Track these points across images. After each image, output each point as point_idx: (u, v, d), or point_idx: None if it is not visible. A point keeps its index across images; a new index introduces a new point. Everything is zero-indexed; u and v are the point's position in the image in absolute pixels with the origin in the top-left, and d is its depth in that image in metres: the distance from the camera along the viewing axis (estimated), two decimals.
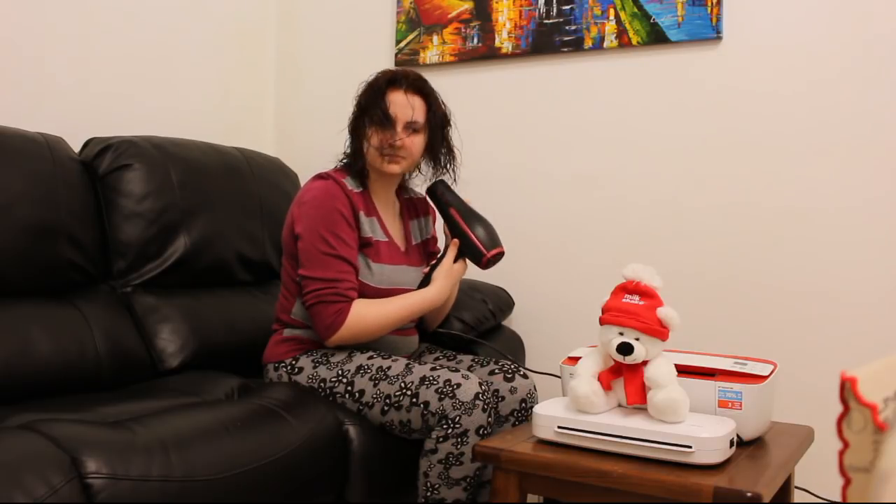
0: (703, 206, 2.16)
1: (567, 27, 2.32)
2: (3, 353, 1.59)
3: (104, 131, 2.12)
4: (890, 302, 1.94)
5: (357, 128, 1.79)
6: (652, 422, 1.33)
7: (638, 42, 2.22)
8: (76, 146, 2.04)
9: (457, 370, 1.61)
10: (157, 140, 2.10)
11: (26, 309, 1.70)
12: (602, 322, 1.40)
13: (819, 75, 2.02)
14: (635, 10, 2.21)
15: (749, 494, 1.18)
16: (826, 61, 2.01)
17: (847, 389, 0.59)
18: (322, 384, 1.71)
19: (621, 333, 1.36)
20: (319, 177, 1.79)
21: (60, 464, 1.19)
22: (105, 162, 1.99)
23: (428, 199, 1.89)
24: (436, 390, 1.57)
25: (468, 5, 2.47)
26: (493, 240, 1.76)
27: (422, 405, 1.58)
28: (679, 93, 2.19)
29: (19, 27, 2.09)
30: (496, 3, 2.42)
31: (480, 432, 1.55)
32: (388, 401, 1.63)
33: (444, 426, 1.55)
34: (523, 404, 1.73)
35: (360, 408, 1.67)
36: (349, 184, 1.77)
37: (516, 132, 2.44)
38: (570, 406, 1.41)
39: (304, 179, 2.09)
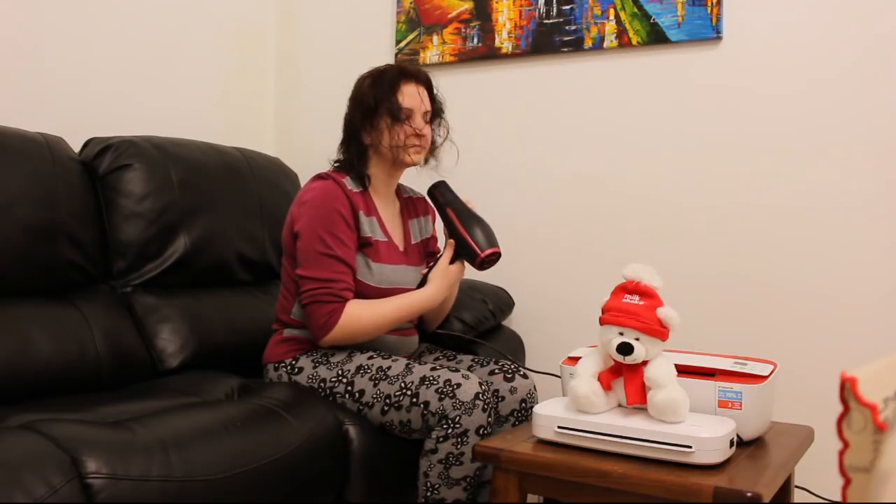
0: (704, 206, 2.16)
1: (567, 27, 2.32)
2: (3, 353, 1.59)
3: (104, 131, 2.12)
4: (890, 302, 1.94)
5: (364, 126, 1.78)
6: (652, 422, 1.33)
7: (638, 42, 2.22)
8: (76, 146, 2.04)
9: (457, 370, 1.61)
10: (157, 140, 2.10)
11: (26, 309, 1.70)
12: (602, 322, 1.40)
13: (819, 75, 2.02)
14: (635, 10, 2.21)
15: (749, 494, 1.18)
16: (826, 61, 2.01)
17: (847, 389, 0.59)
18: (322, 384, 1.71)
19: (621, 333, 1.36)
20: (319, 177, 1.79)
21: (60, 464, 1.19)
22: (105, 162, 1.99)
23: (427, 199, 1.89)
24: (436, 390, 1.57)
25: (468, 5, 2.47)
26: (489, 241, 1.75)
27: (422, 405, 1.58)
28: (679, 93, 2.19)
29: (19, 27, 2.09)
30: (496, 3, 2.42)
31: (480, 432, 1.55)
32: (388, 401, 1.63)
33: (444, 426, 1.55)
34: (523, 404, 1.73)
35: (360, 408, 1.67)
36: (349, 184, 1.77)
37: (516, 132, 2.44)
38: (570, 406, 1.41)
39: (304, 179, 2.09)
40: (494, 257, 1.75)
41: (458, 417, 1.54)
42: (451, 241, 1.78)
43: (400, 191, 1.94)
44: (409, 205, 1.95)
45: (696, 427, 1.30)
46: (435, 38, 2.53)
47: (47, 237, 1.76)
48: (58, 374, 1.67)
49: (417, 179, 1.95)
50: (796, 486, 1.64)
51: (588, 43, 2.28)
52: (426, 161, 1.88)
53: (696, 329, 2.11)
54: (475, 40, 2.47)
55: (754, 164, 2.10)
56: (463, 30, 2.48)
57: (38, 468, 1.16)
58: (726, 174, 2.13)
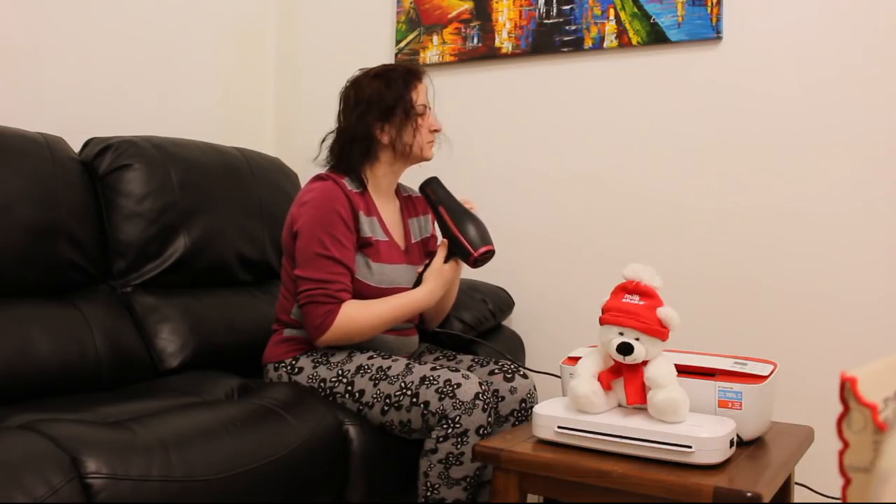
0: (703, 206, 2.16)
1: (567, 27, 2.32)
2: (3, 353, 1.59)
3: (104, 131, 2.12)
4: (890, 302, 1.94)
5: (379, 125, 1.78)
6: (652, 422, 1.33)
7: (638, 42, 2.22)
8: (76, 146, 2.04)
9: (457, 370, 1.61)
10: (157, 140, 2.10)
11: (26, 309, 1.70)
12: (602, 322, 1.40)
13: (819, 75, 2.02)
14: (635, 10, 2.21)
15: (749, 494, 1.18)
16: (826, 61, 2.01)
17: (847, 389, 0.59)
18: (322, 384, 1.71)
19: (621, 333, 1.36)
20: (319, 178, 1.79)
21: (60, 464, 1.19)
22: (105, 162, 1.99)
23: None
24: (436, 390, 1.57)
25: (468, 5, 2.47)
26: (482, 238, 1.72)
27: (422, 405, 1.58)
28: (679, 93, 2.19)
29: (19, 27, 2.09)
30: (496, 3, 2.42)
31: (480, 432, 1.55)
32: (388, 401, 1.63)
33: (444, 426, 1.55)
34: (523, 404, 1.73)
35: (360, 408, 1.67)
36: (349, 184, 1.77)
37: (516, 132, 2.44)
38: (570, 406, 1.41)
39: (304, 179, 2.09)
40: (488, 255, 1.74)
41: (458, 417, 1.54)
42: (445, 240, 1.77)
43: (399, 190, 1.94)
44: (409, 204, 1.95)
45: (696, 427, 1.30)
46: (435, 38, 2.53)
47: (47, 237, 1.76)
48: (58, 374, 1.67)
49: (406, 176, 1.94)
50: (796, 483, 1.64)
51: (588, 43, 2.28)
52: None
53: (696, 329, 2.11)
54: (475, 40, 2.47)
55: (754, 164, 2.10)
56: (463, 30, 2.48)
57: (38, 468, 1.16)
58: (726, 174, 2.13)
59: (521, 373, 1.77)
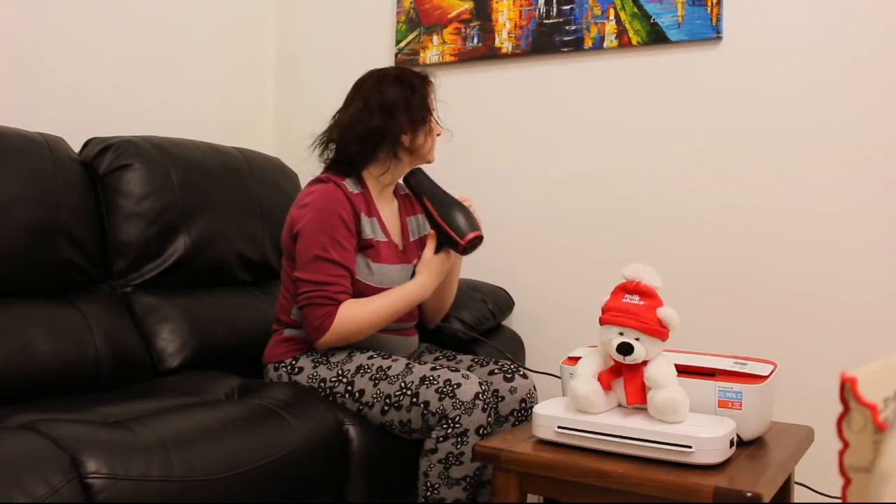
0: (704, 206, 2.16)
1: (567, 27, 2.32)
2: (3, 353, 1.59)
3: (104, 131, 2.12)
4: (890, 302, 1.94)
5: (405, 129, 1.78)
6: (652, 422, 1.33)
7: (638, 42, 2.22)
8: (76, 146, 2.04)
9: (457, 370, 1.62)
10: (157, 140, 2.10)
11: (26, 309, 1.70)
12: (602, 322, 1.40)
13: (819, 75, 2.02)
14: (635, 10, 2.21)
15: (749, 494, 1.18)
16: (826, 61, 2.01)
17: (847, 389, 0.59)
18: (322, 384, 1.71)
19: (621, 333, 1.36)
20: (319, 180, 1.79)
21: (60, 464, 1.19)
22: (105, 162, 1.99)
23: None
24: (436, 390, 1.57)
25: (468, 5, 2.47)
26: (470, 225, 1.72)
27: (422, 405, 1.58)
28: (679, 93, 2.19)
29: (19, 27, 2.09)
30: (496, 3, 2.42)
31: (480, 432, 1.55)
32: (388, 401, 1.63)
33: (444, 426, 1.55)
34: (523, 404, 1.73)
35: (360, 408, 1.67)
36: (349, 185, 1.77)
37: (516, 132, 2.44)
38: (570, 406, 1.41)
39: (304, 179, 2.09)
40: (477, 241, 1.72)
41: (458, 417, 1.54)
42: (433, 230, 1.77)
43: (397, 188, 1.95)
44: (407, 202, 1.96)
45: (696, 427, 1.30)
46: (435, 38, 2.53)
47: (47, 237, 1.76)
48: (58, 374, 1.67)
49: None
50: (797, 483, 1.64)
51: (588, 43, 2.28)
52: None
53: (696, 329, 2.11)
54: (475, 40, 2.47)
55: (754, 164, 2.10)
56: (463, 30, 2.48)
57: (38, 468, 1.16)
58: (726, 174, 2.13)
59: (521, 373, 1.77)
